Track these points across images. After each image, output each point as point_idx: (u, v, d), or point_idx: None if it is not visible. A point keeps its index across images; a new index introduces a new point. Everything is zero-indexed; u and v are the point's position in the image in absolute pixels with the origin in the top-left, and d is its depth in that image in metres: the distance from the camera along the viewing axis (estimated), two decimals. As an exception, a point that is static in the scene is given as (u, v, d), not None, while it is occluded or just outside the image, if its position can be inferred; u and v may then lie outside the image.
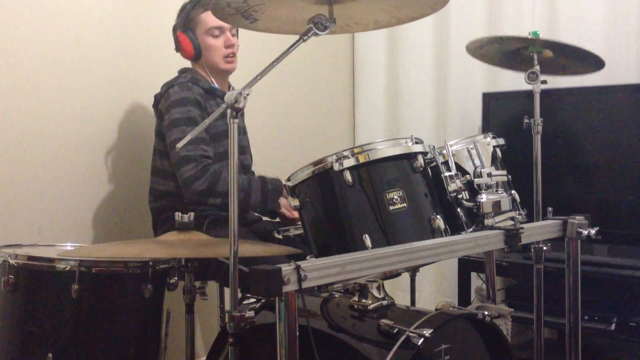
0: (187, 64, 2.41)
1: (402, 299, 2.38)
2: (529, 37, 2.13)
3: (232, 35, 2.36)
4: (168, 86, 2.29)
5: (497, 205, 1.66)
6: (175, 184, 2.25)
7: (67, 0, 2.39)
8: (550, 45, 2.17)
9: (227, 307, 1.41)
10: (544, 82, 2.19)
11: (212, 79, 2.37)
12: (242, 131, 2.51)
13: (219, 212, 2.26)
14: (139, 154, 2.55)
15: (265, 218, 2.53)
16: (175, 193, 2.27)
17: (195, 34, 2.32)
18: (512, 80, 3.08)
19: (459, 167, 1.74)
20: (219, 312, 2.43)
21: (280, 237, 2.06)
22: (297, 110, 3.38)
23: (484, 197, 1.66)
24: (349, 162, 1.61)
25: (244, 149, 2.49)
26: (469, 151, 1.81)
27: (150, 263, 1.82)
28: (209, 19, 2.28)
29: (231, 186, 1.39)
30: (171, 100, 2.22)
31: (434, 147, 1.76)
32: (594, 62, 2.26)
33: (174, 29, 2.36)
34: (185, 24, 2.32)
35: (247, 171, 2.51)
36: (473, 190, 1.73)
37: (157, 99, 2.33)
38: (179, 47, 2.35)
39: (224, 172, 2.12)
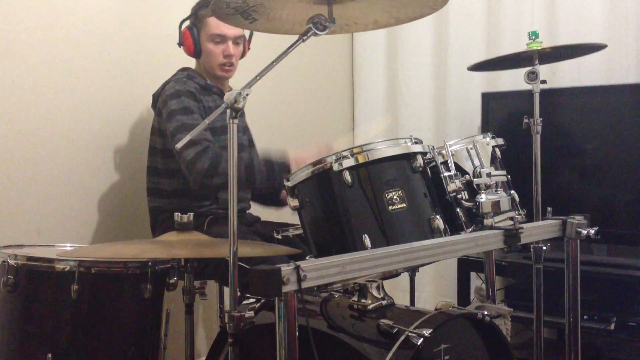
0: (186, 62, 2.42)
1: (401, 299, 2.38)
2: (527, 49, 2.14)
3: (237, 44, 2.36)
4: (164, 84, 2.33)
5: (496, 205, 1.66)
6: (172, 182, 2.28)
7: (66, 0, 2.39)
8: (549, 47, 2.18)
9: (227, 307, 1.41)
10: (544, 81, 2.19)
11: (208, 79, 2.39)
12: (242, 130, 2.52)
13: (218, 211, 2.27)
14: (139, 154, 2.55)
15: (264, 218, 2.53)
16: (173, 191, 2.29)
17: (199, 34, 2.34)
18: (512, 80, 3.09)
19: (458, 167, 1.74)
20: (218, 312, 2.44)
21: (279, 237, 2.06)
22: (297, 110, 3.38)
23: (483, 197, 1.66)
24: (348, 162, 1.62)
25: (243, 148, 2.50)
26: (468, 151, 1.81)
27: (150, 263, 1.81)
28: (213, 24, 2.30)
29: (230, 185, 1.39)
30: (166, 94, 2.26)
31: (433, 147, 1.76)
32: (593, 48, 2.28)
33: (181, 23, 2.37)
34: (193, 21, 2.35)
35: None
36: (472, 190, 1.73)
37: (155, 97, 2.36)
38: (181, 42, 2.37)
39: (224, 152, 2.13)
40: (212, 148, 2.13)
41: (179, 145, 1.57)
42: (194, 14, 2.35)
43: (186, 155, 2.11)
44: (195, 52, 2.35)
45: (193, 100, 2.25)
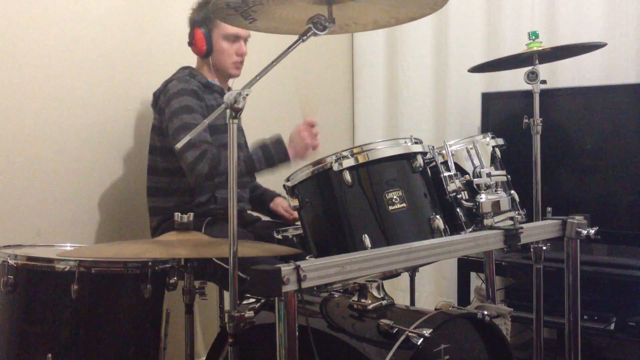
0: (186, 61, 2.42)
1: (401, 299, 2.39)
2: (527, 50, 2.14)
3: (246, 42, 2.39)
4: (167, 82, 2.32)
5: (496, 205, 1.66)
6: (172, 180, 2.29)
7: (65, 0, 2.39)
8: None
9: (227, 307, 1.41)
10: (544, 81, 2.20)
11: (215, 77, 2.40)
12: (240, 129, 2.52)
13: (217, 210, 2.28)
14: (139, 154, 2.55)
15: (265, 218, 2.53)
16: (172, 190, 2.30)
17: (211, 33, 2.34)
18: (512, 80, 3.09)
19: (458, 167, 1.75)
20: (218, 312, 2.44)
21: (279, 237, 2.06)
22: (296, 110, 3.37)
23: (483, 197, 1.66)
24: (349, 162, 1.62)
25: (241, 147, 2.50)
26: (468, 151, 1.81)
27: (150, 263, 1.81)
28: (228, 24, 2.30)
29: (230, 186, 1.39)
30: (170, 93, 2.26)
31: (433, 147, 1.77)
32: (593, 47, 2.28)
33: (193, 23, 2.37)
34: (204, 21, 2.34)
35: None
36: (472, 190, 1.73)
37: (157, 95, 2.36)
38: (192, 42, 2.37)
39: (222, 152, 2.14)
40: (210, 150, 2.13)
41: (178, 145, 1.57)
42: (205, 14, 2.33)
43: (187, 157, 2.12)
44: (207, 51, 2.35)
45: (196, 99, 2.25)
